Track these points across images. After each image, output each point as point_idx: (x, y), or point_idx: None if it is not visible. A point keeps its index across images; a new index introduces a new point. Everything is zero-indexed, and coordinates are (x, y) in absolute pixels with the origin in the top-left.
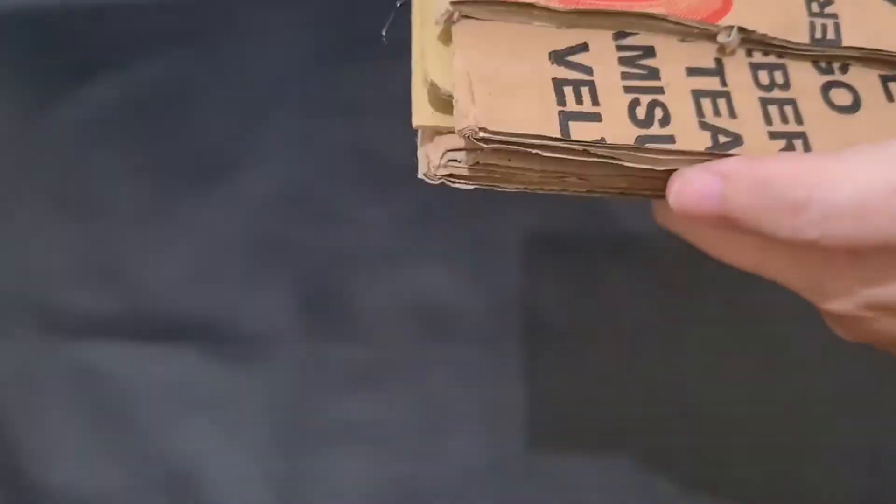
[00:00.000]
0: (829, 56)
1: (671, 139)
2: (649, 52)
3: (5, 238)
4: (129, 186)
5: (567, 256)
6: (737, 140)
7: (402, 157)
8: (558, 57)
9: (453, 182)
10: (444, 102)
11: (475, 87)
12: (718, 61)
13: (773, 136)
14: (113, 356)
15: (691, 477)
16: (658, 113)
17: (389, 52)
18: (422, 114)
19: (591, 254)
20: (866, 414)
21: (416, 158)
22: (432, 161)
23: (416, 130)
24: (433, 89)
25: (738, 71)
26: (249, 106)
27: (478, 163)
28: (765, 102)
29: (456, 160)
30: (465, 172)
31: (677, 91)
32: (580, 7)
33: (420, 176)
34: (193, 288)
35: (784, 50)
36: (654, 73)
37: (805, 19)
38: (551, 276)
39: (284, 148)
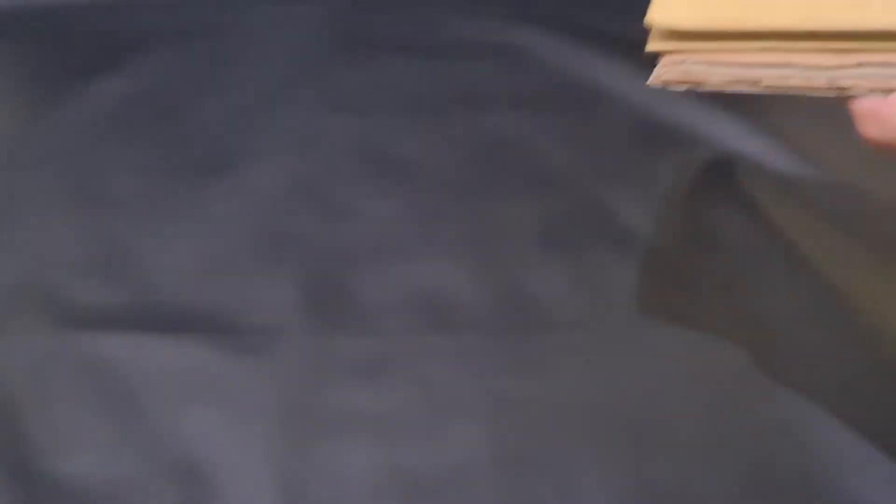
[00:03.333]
0: None
1: None
2: None
3: (14, 231)
4: (138, 180)
5: (569, 249)
6: None
7: (406, 152)
8: None
9: (669, 86)
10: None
11: None
12: None
13: None
14: (121, 347)
15: (694, 468)
16: None
17: (394, 49)
18: (652, 42)
19: (592, 246)
20: (865, 408)
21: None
22: (657, 73)
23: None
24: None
25: None
26: (257, 101)
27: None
28: None
29: (672, 68)
30: (675, 77)
31: None
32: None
33: (647, 84)
34: (201, 280)
35: None
36: None
37: None
38: (553, 268)
39: (291, 143)
